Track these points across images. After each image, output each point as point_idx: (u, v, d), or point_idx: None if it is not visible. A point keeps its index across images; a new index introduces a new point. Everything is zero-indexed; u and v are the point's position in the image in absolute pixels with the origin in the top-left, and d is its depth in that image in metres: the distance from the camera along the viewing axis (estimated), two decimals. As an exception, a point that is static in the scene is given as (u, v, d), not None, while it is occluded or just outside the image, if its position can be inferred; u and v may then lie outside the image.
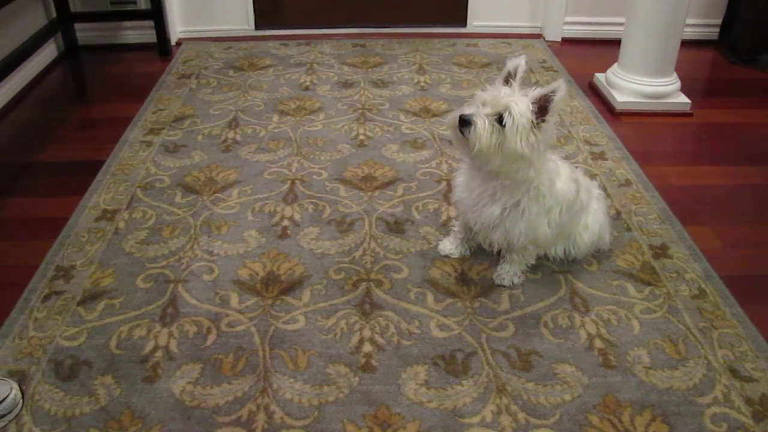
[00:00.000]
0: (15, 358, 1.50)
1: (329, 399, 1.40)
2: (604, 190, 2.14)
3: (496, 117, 1.44)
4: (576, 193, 1.66)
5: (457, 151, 2.39)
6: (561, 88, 1.41)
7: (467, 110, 1.47)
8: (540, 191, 1.57)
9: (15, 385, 1.39)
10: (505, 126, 1.43)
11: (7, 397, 1.35)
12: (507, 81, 1.51)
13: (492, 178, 1.56)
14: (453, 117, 1.48)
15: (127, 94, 2.94)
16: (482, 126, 1.43)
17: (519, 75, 1.50)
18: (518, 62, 1.50)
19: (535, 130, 1.45)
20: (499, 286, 1.72)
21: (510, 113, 1.42)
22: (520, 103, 1.43)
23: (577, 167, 1.85)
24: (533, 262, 1.74)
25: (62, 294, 1.70)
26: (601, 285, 1.74)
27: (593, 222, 1.74)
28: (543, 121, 1.45)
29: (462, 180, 1.69)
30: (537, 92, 1.44)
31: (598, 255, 1.84)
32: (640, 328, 1.59)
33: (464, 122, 1.45)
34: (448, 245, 1.84)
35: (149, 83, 2.99)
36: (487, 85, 1.54)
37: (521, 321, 1.62)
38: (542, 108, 1.44)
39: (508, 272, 1.72)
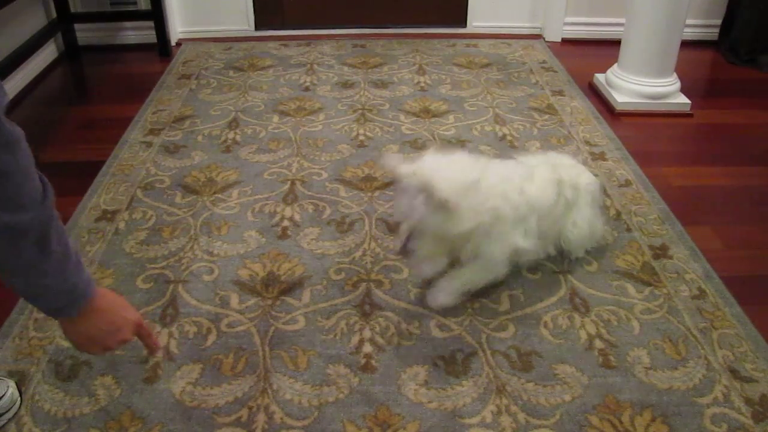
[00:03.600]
0: (15, 359, 1.50)
1: (329, 399, 1.40)
2: (604, 191, 2.14)
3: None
4: (557, 196, 1.62)
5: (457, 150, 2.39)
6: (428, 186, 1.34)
7: (399, 243, 1.47)
8: (499, 210, 1.48)
9: (12, 384, 1.39)
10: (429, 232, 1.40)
11: (3, 395, 1.35)
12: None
13: None
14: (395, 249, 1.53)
15: (127, 94, 2.94)
16: (418, 247, 1.42)
17: (396, 170, 1.40)
18: (386, 163, 1.43)
19: (448, 213, 1.36)
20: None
21: (417, 225, 1.38)
22: (416, 213, 1.38)
23: (563, 153, 1.82)
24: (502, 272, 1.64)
25: (62, 294, 1.70)
26: (601, 285, 1.74)
27: (582, 218, 1.70)
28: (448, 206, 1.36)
29: None
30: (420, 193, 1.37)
31: (598, 255, 1.84)
32: (640, 329, 1.59)
33: (406, 252, 1.46)
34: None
35: (149, 84, 2.99)
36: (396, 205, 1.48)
37: (521, 321, 1.62)
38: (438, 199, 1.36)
39: (463, 279, 1.61)
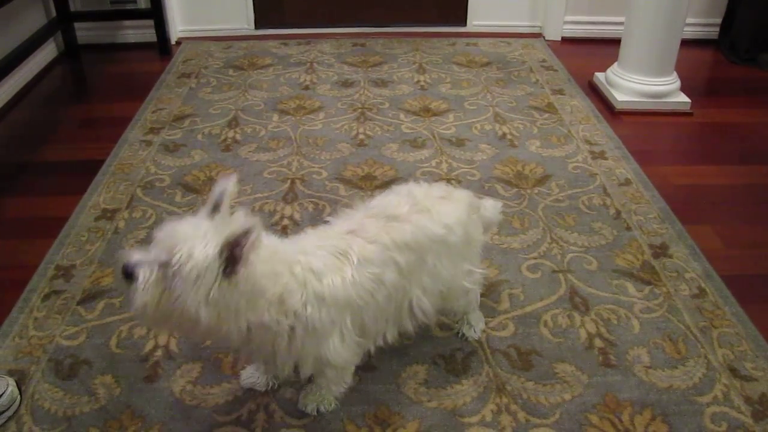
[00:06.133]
0: (15, 358, 1.50)
1: (329, 398, 1.40)
2: (604, 189, 2.14)
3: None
4: (374, 289, 1.22)
5: (457, 149, 2.39)
6: (254, 229, 1.01)
7: (134, 257, 1.05)
8: (295, 329, 1.16)
9: (12, 381, 1.39)
10: (174, 277, 1.01)
11: (3, 393, 1.35)
12: (215, 210, 1.10)
13: None
14: (117, 266, 1.07)
15: (127, 93, 2.94)
16: (145, 278, 1.02)
17: (226, 203, 1.10)
18: (225, 186, 1.11)
19: (223, 283, 1.03)
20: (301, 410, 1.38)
21: (179, 261, 1.00)
22: (197, 249, 1.01)
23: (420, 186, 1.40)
24: (346, 385, 1.36)
25: (62, 293, 1.70)
26: (601, 284, 1.74)
27: (434, 280, 1.31)
28: (234, 272, 1.03)
29: None
30: (228, 235, 1.02)
31: (598, 255, 1.84)
32: (640, 328, 1.59)
33: (128, 275, 1.03)
34: (250, 377, 1.44)
35: (149, 82, 2.99)
36: (186, 215, 1.12)
37: (521, 320, 1.62)
38: (233, 257, 1.02)
39: (316, 396, 1.37)
